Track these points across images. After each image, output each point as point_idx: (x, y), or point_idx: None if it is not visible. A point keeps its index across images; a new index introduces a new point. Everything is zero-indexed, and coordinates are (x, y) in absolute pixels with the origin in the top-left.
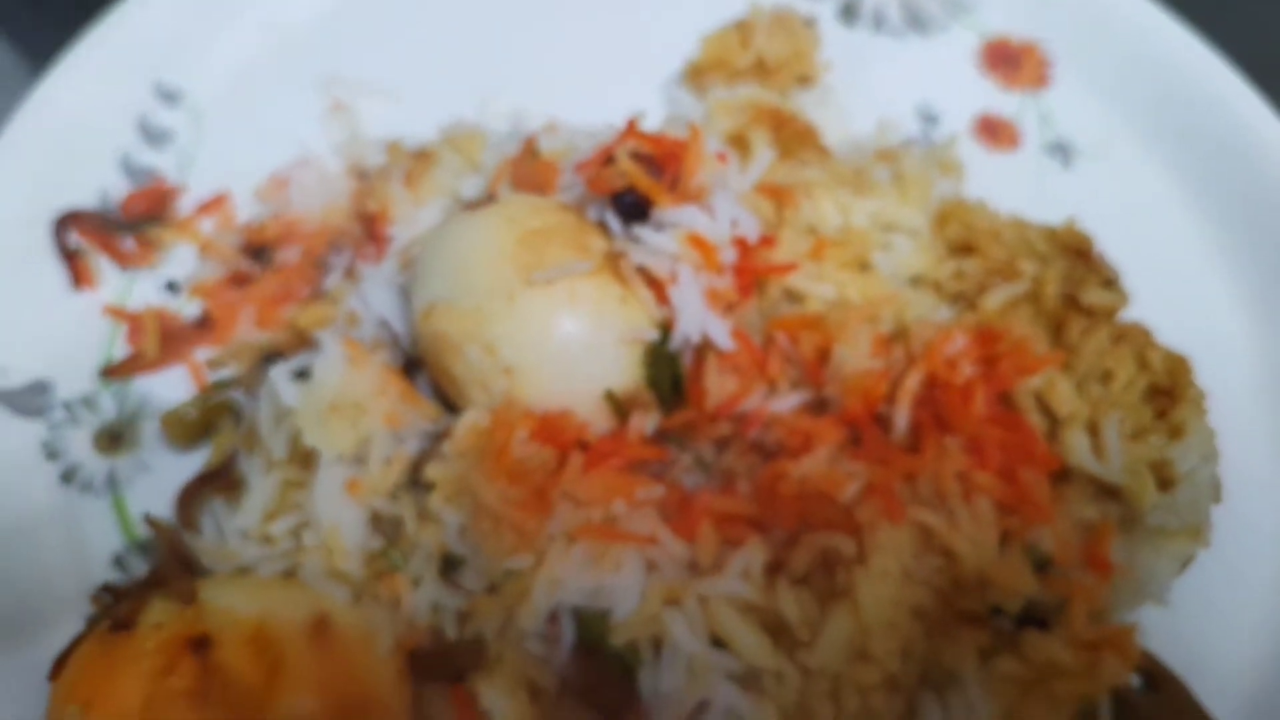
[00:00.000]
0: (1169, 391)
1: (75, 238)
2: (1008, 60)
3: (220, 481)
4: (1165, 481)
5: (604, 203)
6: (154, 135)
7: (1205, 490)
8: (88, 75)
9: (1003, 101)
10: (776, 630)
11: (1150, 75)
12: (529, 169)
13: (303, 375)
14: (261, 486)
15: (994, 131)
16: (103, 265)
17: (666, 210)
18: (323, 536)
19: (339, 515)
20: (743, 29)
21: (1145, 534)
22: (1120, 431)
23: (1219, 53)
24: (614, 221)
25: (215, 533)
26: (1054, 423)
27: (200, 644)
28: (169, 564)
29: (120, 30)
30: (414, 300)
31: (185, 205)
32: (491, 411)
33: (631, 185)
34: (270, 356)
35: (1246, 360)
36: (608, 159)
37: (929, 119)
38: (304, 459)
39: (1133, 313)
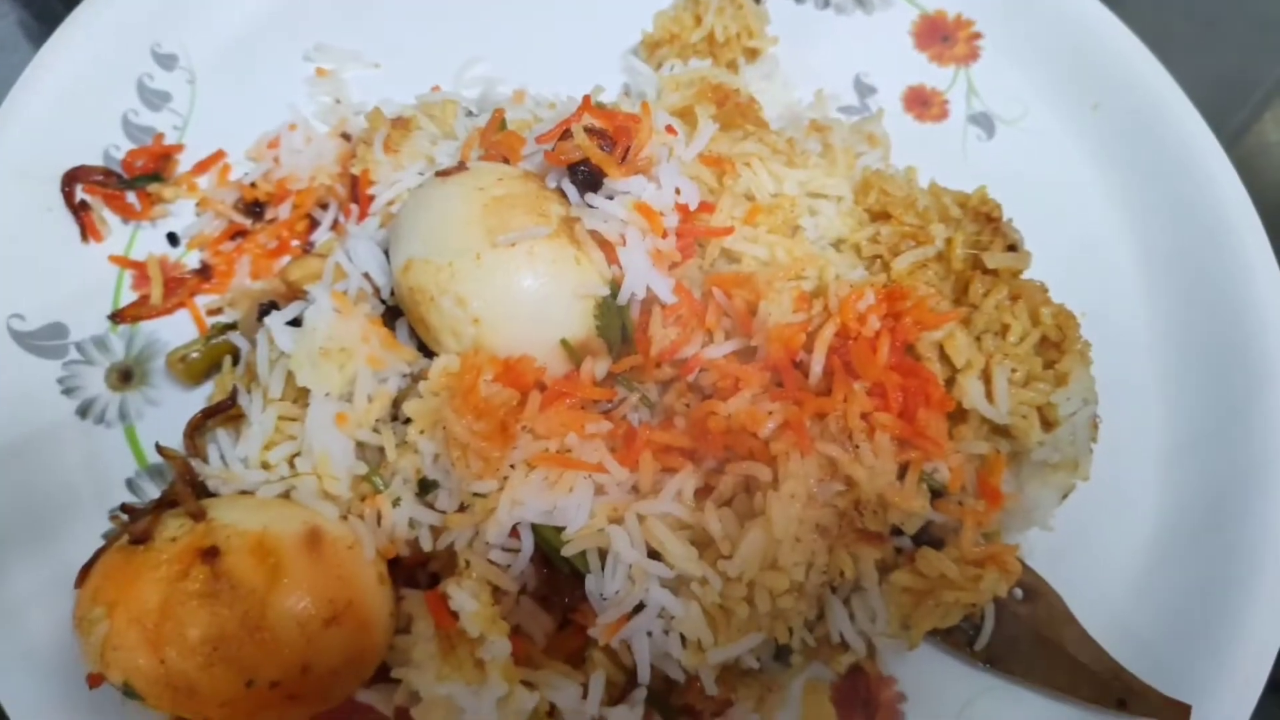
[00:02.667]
0: (1058, 344)
1: (82, 193)
2: (942, 35)
3: (223, 415)
4: (1049, 423)
5: (562, 173)
6: (152, 97)
7: (1084, 431)
8: (89, 39)
9: (934, 74)
10: (703, 544)
11: (1069, 50)
12: (496, 139)
13: (296, 323)
14: (260, 420)
15: (924, 102)
16: (109, 218)
17: (617, 181)
18: (315, 463)
19: (329, 444)
20: (695, 5)
21: (1031, 468)
22: (1011, 379)
23: (1133, 29)
24: (570, 190)
25: (219, 460)
26: (953, 370)
27: (210, 553)
28: (180, 487)
29: None
30: (393, 257)
31: (183, 163)
32: (462, 356)
33: (586, 158)
34: (266, 306)
35: (1139, 317)
36: (566, 132)
37: (866, 90)
38: (297, 396)
39: (1039, 271)
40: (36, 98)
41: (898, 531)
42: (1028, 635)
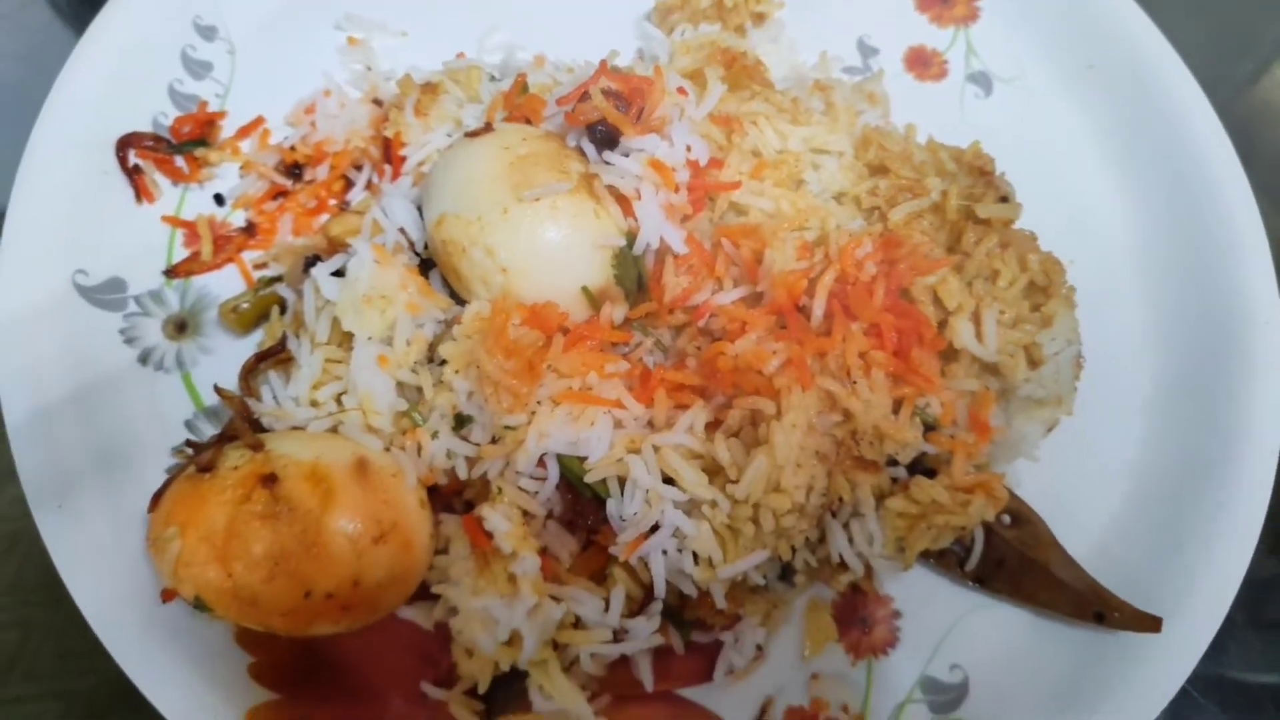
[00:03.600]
0: (1045, 289)
1: (134, 157)
2: None
3: (274, 358)
4: (1034, 361)
5: (581, 132)
6: (196, 67)
7: (1068, 369)
8: (136, 14)
9: (934, 35)
10: (712, 471)
11: (1065, 11)
12: (519, 102)
13: (339, 274)
14: (309, 362)
15: (925, 62)
16: (160, 181)
17: (632, 139)
18: (359, 400)
19: (372, 383)
20: None
21: (1019, 403)
22: (999, 320)
23: None
24: (589, 148)
25: (272, 399)
26: (945, 313)
27: (269, 479)
28: (238, 422)
29: None
30: (426, 212)
31: (226, 129)
32: (492, 302)
33: (603, 118)
34: (311, 259)
35: (1126, 265)
36: (584, 95)
37: (868, 51)
38: (342, 340)
39: (1031, 222)
40: (89, 71)
41: (893, 462)
42: (1014, 557)
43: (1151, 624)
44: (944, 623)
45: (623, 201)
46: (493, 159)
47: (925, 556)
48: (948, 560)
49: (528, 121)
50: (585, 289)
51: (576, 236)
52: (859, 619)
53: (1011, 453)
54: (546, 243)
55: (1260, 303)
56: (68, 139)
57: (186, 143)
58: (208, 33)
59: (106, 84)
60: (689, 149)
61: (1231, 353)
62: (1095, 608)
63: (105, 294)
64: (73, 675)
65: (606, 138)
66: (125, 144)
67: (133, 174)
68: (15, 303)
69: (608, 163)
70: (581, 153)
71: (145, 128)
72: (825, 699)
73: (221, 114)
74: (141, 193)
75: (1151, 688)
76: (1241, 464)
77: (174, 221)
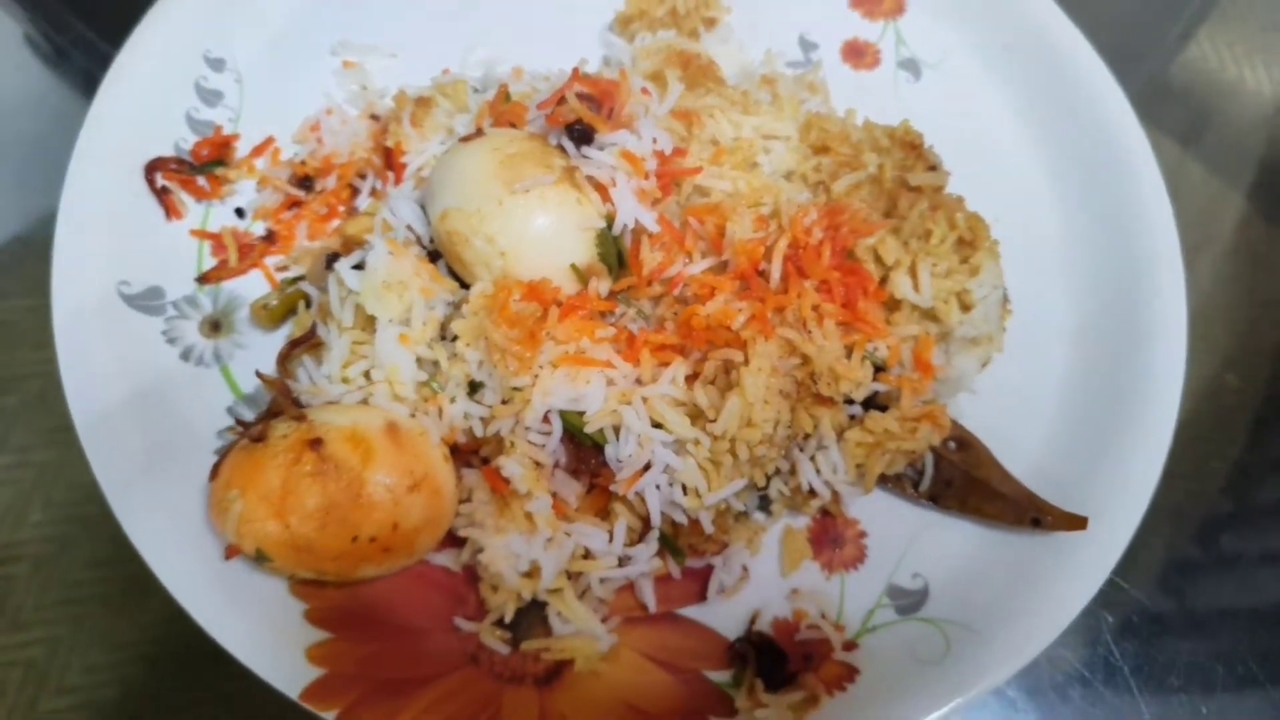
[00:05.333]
0: (971, 243)
1: (161, 179)
2: None
3: (306, 345)
4: (966, 306)
5: (560, 131)
6: (209, 96)
7: (996, 311)
8: (151, 52)
9: (867, 29)
10: (694, 414)
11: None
12: (504, 109)
13: (359, 266)
14: (338, 345)
15: (860, 53)
16: (185, 199)
17: (605, 135)
18: (385, 374)
19: (396, 359)
20: None
21: (956, 343)
22: (933, 272)
23: None
24: (568, 145)
25: (308, 379)
26: (886, 269)
27: (315, 443)
28: (281, 399)
29: (171, 12)
30: (430, 209)
31: (241, 149)
32: (494, 282)
33: (579, 118)
34: (331, 257)
35: (1045, 220)
36: (561, 99)
37: (808, 47)
38: (366, 323)
39: (959, 187)
40: (115, 105)
41: (850, 401)
42: (960, 477)
43: (1079, 523)
44: (904, 538)
45: (601, 189)
46: (486, 159)
47: (884, 481)
48: (903, 483)
49: (513, 125)
50: (574, 266)
51: (563, 222)
52: (831, 540)
53: (953, 387)
54: (538, 228)
55: (1159, 238)
56: (104, 166)
57: (206, 164)
58: (217, 64)
59: (132, 116)
60: (655, 141)
61: (1138, 286)
62: (1032, 514)
63: (146, 300)
64: (100, 687)
65: (583, 135)
66: (152, 168)
67: (161, 195)
68: (69, 314)
69: (586, 156)
70: (562, 149)
71: (168, 153)
72: (805, 610)
73: (235, 136)
74: (170, 211)
75: (1083, 576)
76: (1150, 385)
77: (201, 234)
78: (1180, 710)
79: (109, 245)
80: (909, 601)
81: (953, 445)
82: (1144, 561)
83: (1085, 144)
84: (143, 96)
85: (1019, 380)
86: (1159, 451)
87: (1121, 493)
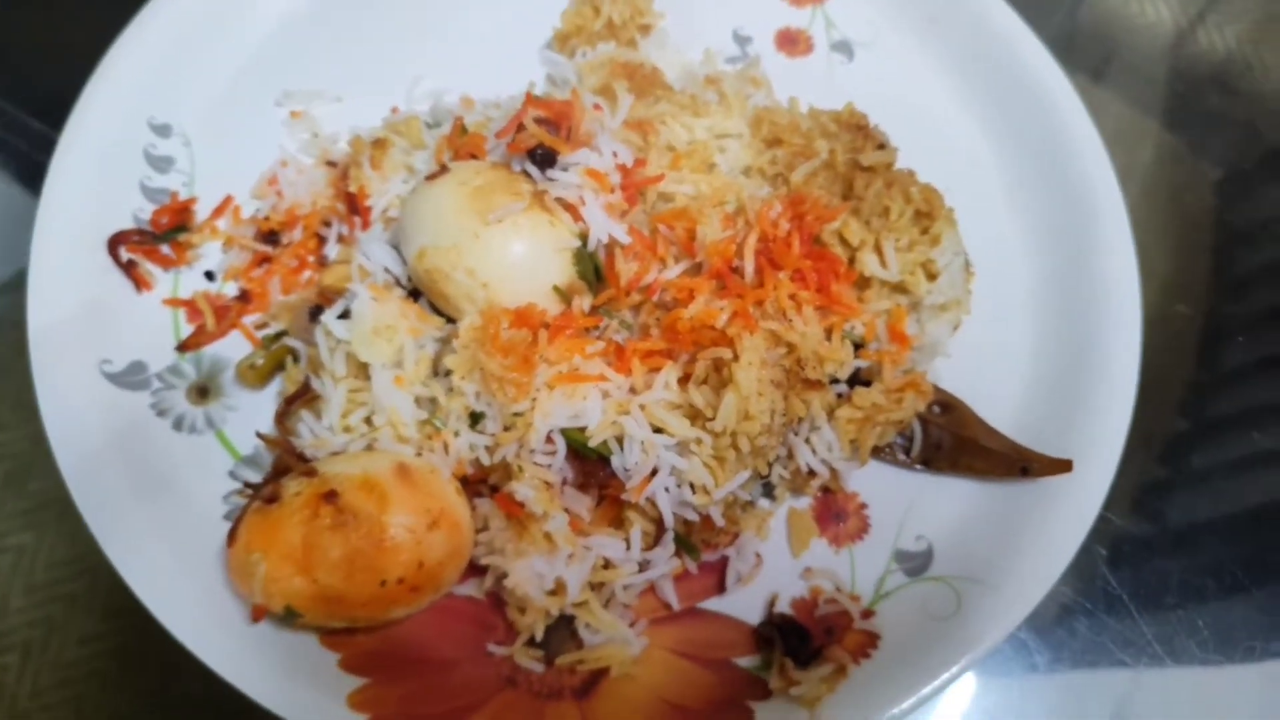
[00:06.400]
0: (928, 214)
1: (125, 253)
2: None
3: (302, 399)
4: (931, 275)
5: (523, 158)
6: (159, 163)
7: (960, 276)
8: (96, 125)
9: (795, 16)
10: (692, 415)
11: None
12: (462, 142)
13: (344, 315)
14: (335, 395)
15: (793, 41)
16: (152, 270)
17: (567, 155)
18: (387, 418)
19: (394, 402)
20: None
21: (927, 312)
22: (897, 247)
23: None
24: (533, 170)
25: (309, 433)
26: (852, 250)
27: (330, 495)
28: (287, 457)
29: (109, 85)
30: (405, 249)
31: (201, 212)
32: (481, 313)
33: (540, 143)
34: (315, 310)
35: (992, 183)
36: (519, 126)
37: (743, 40)
38: (358, 370)
39: (907, 161)
40: (68, 184)
41: (835, 380)
42: (948, 438)
43: (1065, 466)
44: (903, 504)
45: (570, 209)
46: (455, 193)
47: (877, 452)
48: (896, 452)
49: (474, 157)
50: (556, 287)
51: (540, 245)
52: (834, 515)
53: (929, 354)
54: (516, 255)
55: (1103, 193)
56: (68, 247)
57: (168, 231)
58: (163, 130)
59: (86, 193)
60: (615, 155)
61: (1091, 239)
62: (1020, 464)
63: (130, 376)
64: None
65: (546, 158)
66: (115, 243)
67: (128, 268)
68: (56, 401)
69: (551, 179)
70: (527, 175)
71: (128, 225)
72: (820, 586)
73: (193, 200)
74: (139, 283)
75: (1075, 516)
76: (1111, 326)
77: (174, 302)
78: (1179, 626)
79: (84, 327)
80: (916, 564)
81: (937, 409)
82: (1124, 489)
83: (1016, 102)
84: (94, 172)
85: (990, 339)
86: (1128, 388)
87: (1099, 432)
